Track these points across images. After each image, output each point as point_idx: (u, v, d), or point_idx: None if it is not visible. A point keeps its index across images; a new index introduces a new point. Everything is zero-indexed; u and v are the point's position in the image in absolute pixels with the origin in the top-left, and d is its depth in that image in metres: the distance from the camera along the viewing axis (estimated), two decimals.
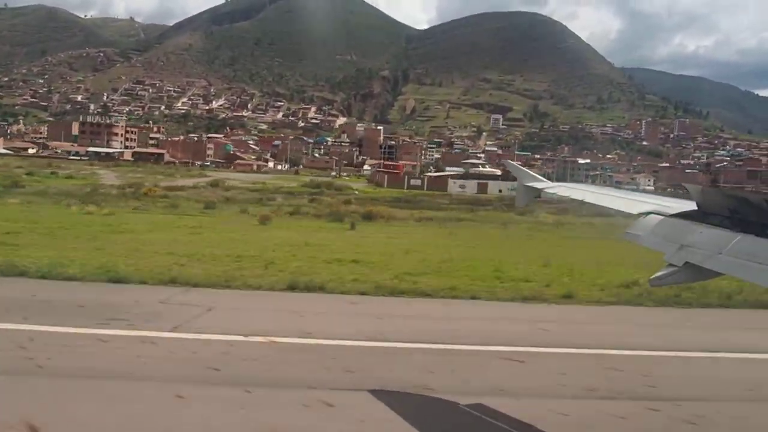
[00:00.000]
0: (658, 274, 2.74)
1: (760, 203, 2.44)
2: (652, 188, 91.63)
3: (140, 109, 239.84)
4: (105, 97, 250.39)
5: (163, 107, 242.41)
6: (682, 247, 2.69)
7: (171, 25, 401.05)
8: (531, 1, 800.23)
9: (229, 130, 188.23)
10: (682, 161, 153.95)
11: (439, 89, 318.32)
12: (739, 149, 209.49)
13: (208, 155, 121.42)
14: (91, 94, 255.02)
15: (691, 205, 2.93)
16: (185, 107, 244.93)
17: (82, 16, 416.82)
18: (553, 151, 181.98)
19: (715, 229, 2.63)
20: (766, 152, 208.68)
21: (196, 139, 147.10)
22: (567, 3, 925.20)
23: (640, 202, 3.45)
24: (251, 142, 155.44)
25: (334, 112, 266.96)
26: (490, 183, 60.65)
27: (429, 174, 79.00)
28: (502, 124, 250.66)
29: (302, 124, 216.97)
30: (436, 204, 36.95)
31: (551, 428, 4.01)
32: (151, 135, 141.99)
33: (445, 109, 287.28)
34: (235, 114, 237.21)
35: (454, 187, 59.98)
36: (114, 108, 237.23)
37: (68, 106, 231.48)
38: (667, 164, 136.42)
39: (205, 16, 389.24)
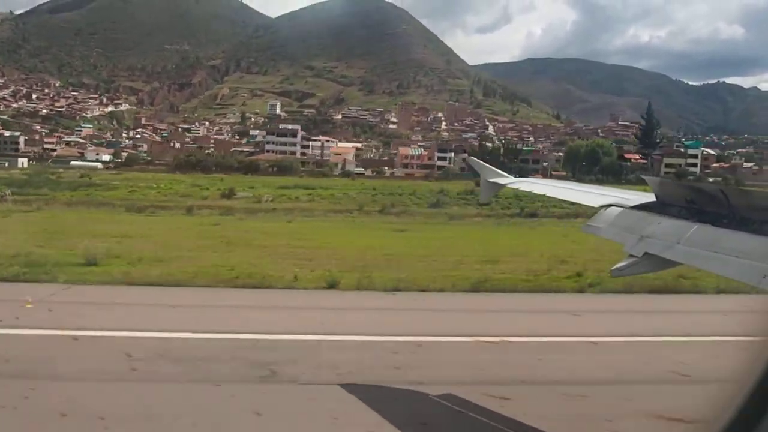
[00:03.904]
0: (619, 265, 2.70)
1: (715, 193, 2.44)
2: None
3: None
4: None
5: None
6: (642, 238, 2.64)
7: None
8: None
9: None
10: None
11: (262, 77, 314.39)
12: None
13: None
14: None
15: (650, 197, 2.90)
16: None
17: None
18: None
19: (673, 219, 2.61)
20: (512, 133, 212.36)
21: None
22: None
23: (600, 195, 3.46)
24: None
25: (125, 100, 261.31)
26: None
27: None
28: (285, 111, 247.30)
29: (44, 112, 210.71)
30: None
31: None
32: None
33: (249, 98, 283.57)
34: None
35: None
36: None
37: None
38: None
39: (47, 6, 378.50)
